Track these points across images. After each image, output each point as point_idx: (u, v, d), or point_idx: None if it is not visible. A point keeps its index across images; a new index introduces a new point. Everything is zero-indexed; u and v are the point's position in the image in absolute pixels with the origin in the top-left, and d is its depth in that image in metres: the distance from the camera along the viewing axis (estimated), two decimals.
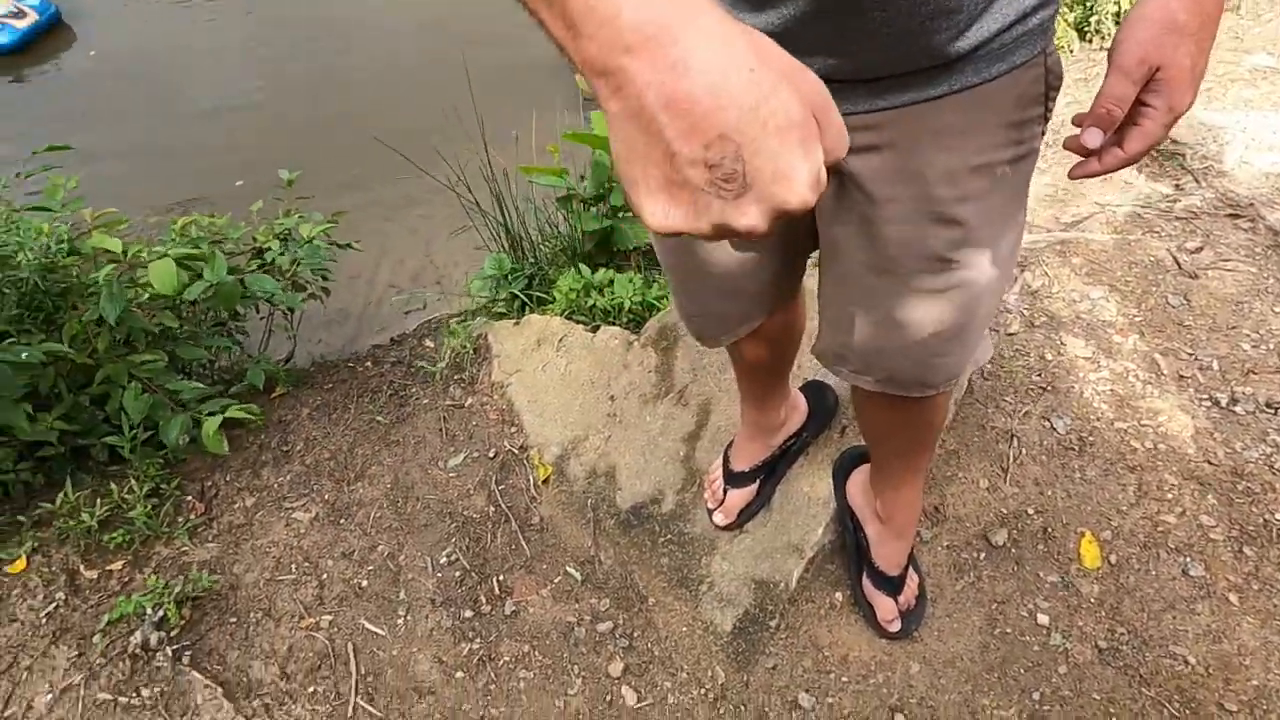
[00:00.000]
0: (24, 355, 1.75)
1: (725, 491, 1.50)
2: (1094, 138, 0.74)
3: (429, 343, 2.58)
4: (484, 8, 4.73)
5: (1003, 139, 0.77)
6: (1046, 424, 1.66)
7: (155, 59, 4.92)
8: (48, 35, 4.85)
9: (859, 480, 1.40)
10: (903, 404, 1.00)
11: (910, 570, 1.38)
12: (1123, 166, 0.75)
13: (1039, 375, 1.78)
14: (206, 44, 5.01)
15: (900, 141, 0.76)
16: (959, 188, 0.78)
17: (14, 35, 4.66)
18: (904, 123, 0.75)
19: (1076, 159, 0.79)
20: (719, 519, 1.51)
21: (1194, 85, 0.71)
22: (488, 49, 4.27)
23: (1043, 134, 0.82)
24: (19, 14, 4.72)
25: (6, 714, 1.50)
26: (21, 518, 1.88)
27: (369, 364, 2.56)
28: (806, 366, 1.62)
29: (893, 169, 0.78)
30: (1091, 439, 1.63)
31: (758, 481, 1.49)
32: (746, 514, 1.51)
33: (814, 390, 1.56)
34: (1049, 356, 1.84)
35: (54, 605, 1.70)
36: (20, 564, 1.78)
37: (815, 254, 1.01)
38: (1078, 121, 0.76)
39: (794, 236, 0.97)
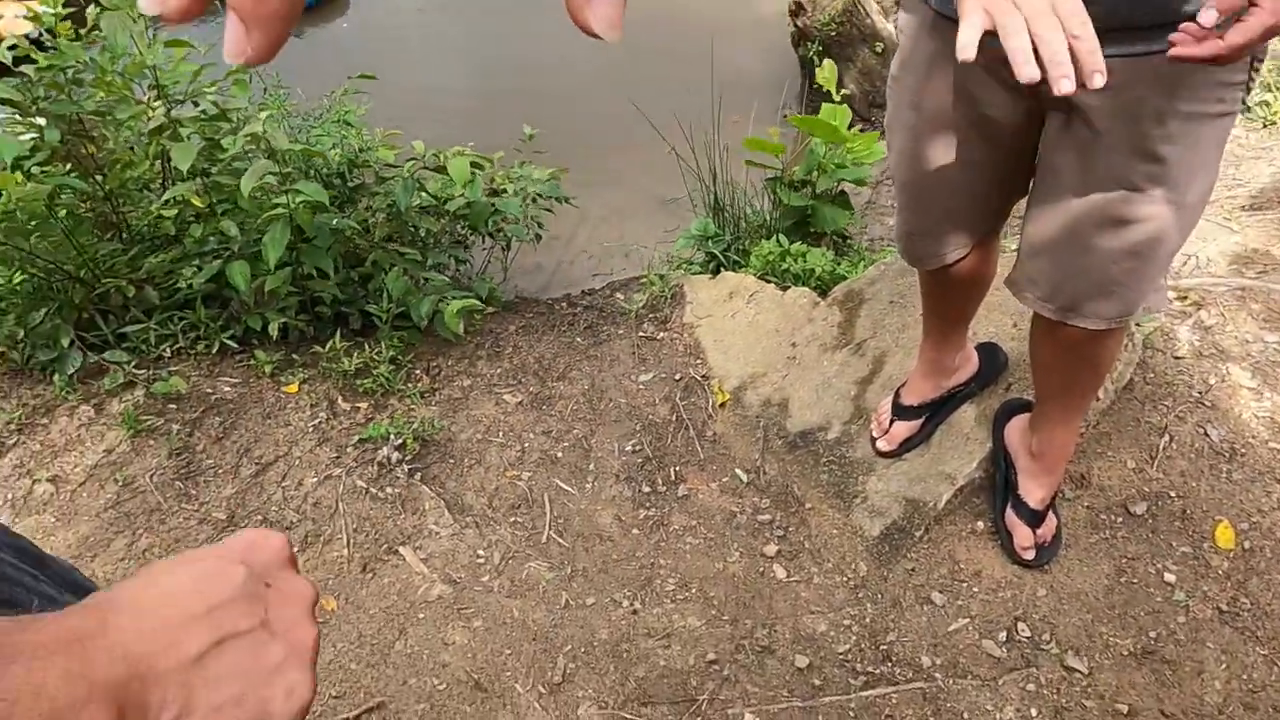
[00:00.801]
0: (335, 222, 2.19)
1: (892, 422, 1.72)
2: (1209, 16, 0.82)
3: (619, 295, 2.91)
4: (718, 15, 5.09)
5: (1210, 94, 0.99)
6: (1200, 430, 1.78)
7: (402, 30, 5.61)
8: (328, 1, 5.65)
9: (1017, 425, 1.59)
10: (1076, 339, 1.20)
11: (1051, 512, 1.55)
12: (1218, 58, 0.83)
13: (1200, 393, 1.90)
14: (451, 19, 5.66)
15: (1126, 84, 0.99)
16: (1166, 128, 1.00)
17: None
18: (1132, 68, 0.98)
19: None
20: (882, 445, 1.73)
21: None
22: (727, 39, 4.61)
23: (1244, 100, 1.03)
24: None
25: (285, 481, 1.91)
26: (295, 356, 2.32)
27: (564, 304, 2.92)
28: (982, 334, 1.82)
29: (1115, 105, 1.01)
30: (1243, 451, 1.74)
31: (923, 418, 1.70)
32: (907, 445, 1.72)
33: (987, 349, 1.76)
34: (1212, 381, 1.95)
35: (318, 420, 2.11)
36: (294, 387, 2.21)
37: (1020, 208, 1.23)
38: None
39: (1013, 167, 1.20)
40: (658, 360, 2.31)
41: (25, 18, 5.19)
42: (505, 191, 2.75)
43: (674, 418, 2.10)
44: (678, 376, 2.23)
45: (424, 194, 2.42)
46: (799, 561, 1.69)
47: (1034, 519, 1.52)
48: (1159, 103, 0.99)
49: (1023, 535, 1.53)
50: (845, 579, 1.63)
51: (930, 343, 1.61)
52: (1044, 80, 0.76)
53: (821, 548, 1.70)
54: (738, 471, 1.91)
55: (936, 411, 1.71)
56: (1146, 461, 1.72)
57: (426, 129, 4.53)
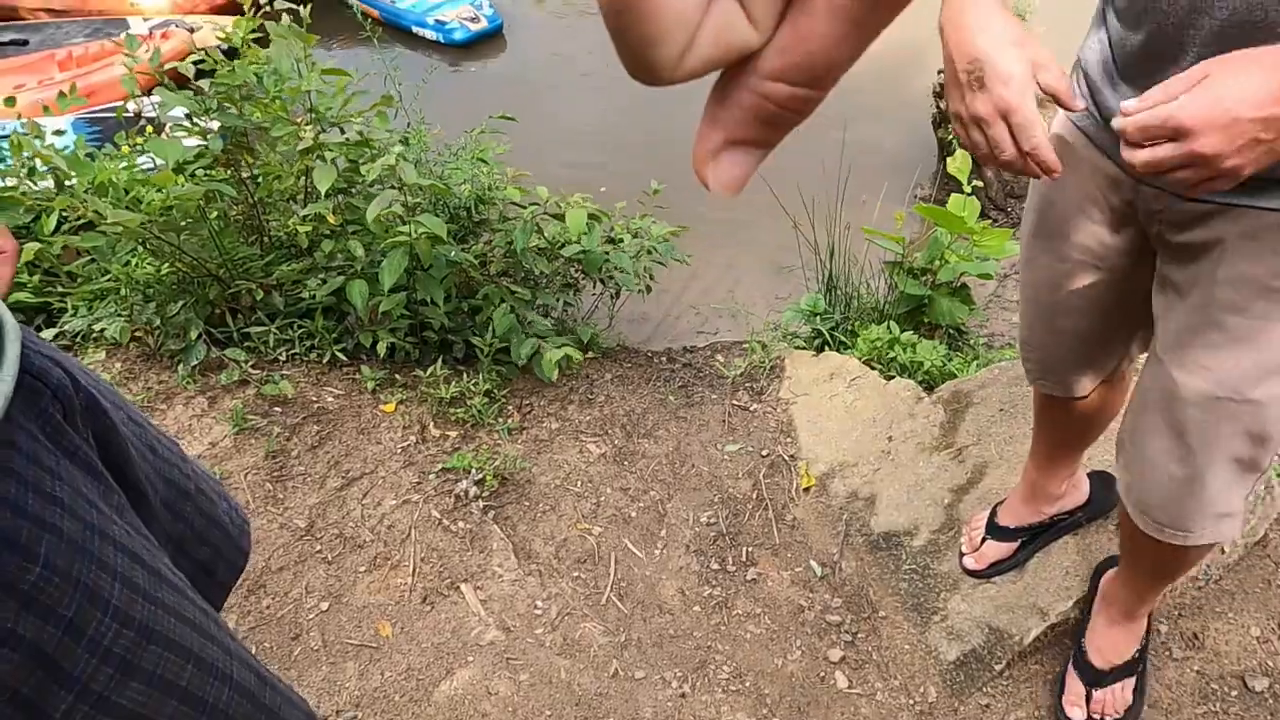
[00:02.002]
0: (452, 254, 2.27)
1: (983, 540, 1.61)
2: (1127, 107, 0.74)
3: (719, 358, 2.88)
4: (862, 88, 5.08)
5: None
6: None
7: (553, 72, 5.85)
8: (488, 40, 5.96)
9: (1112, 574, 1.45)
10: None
11: (1123, 685, 1.38)
12: (1137, 163, 0.75)
13: None
14: (602, 65, 5.86)
15: (1215, 236, 0.88)
16: (1239, 294, 0.88)
17: (466, 34, 5.80)
18: (1224, 218, 0.87)
19: None
20: (969, 562, 1.62)
21: (1221, 130, 0.69)
22: (863, 123, 4.59)
23: None
24: (474, 19, 5.85)
25: (365, 499, 1.96)
26: (398, 376, 2.40)
27: (664, 359, 2.92)
28: (1098, 460, 1.69)
29: (1197, 255, 0.91)
30: None
31: (1018, 542, 1.58)
32: (997, 568, 1.60)
33: (1101, 479, 1.62)
34: None
35: (408, 443, 2.16)
36: (391, 406, 2.28)
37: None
38: None
39: (1135, 301, 1.09)
40: (747, 432, 2.26)
41: (216, 33, 5.69)
42: (622, 241, 2.79)
43: (755, 495, 2.04)
44: (765, 452, 2.17)
45: (542, 237, 2.48)
46: (864, 673, 1.59)
47: (1091, 677, 1.37)
48: (1238, 265, 0.87)
49: (1073, 691, 1.38)
50: (911, 701, 1.52)
51: (1036, 463, 1.50)
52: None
53: (890, 662, 1.60)
54: (813, 563, 1.82)
55: (1034, 537, 1.59)
56: (1274, 631, 1.53)
57: (559, 170, 4.70)
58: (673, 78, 0.19)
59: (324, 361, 2.36)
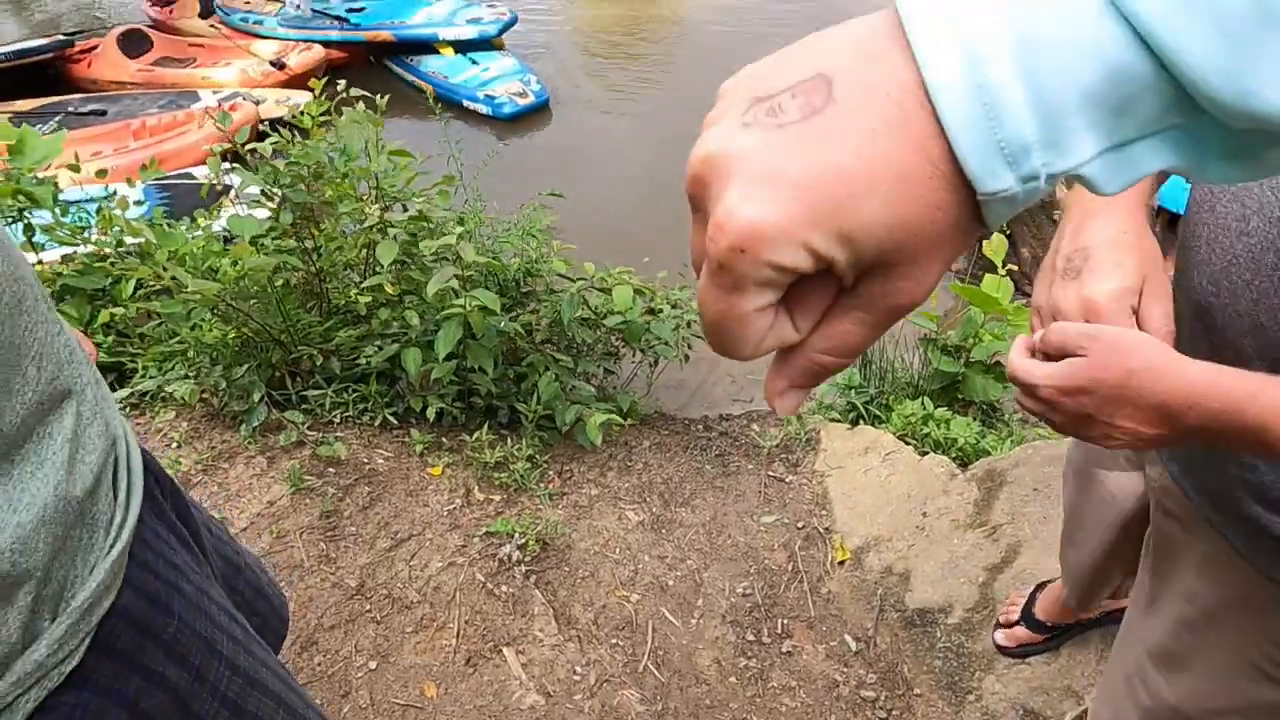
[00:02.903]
0: (502, 324, 2.38)
1: (1019, 623, 1.63)
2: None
3: (754, 427, 2.94)
4: None
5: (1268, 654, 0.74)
6: None
7: (599, 145, 6.07)
8: (535, 114, 6.23)
9: None
10: None
11: None
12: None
13: None
14: (641, 138, 6.07)
15: (1187, 538, 0.81)
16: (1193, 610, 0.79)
17: (515, 108, 6.08)
18: (1197, 529, 0.79)
19: None
20: (1002, 639, 1.64)
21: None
22: None
23: None
24: (522, 94, 6.14)
25: (413, 560, 2.03)
26: (444, 440, 2.49)
27: (700, 427, 2.98)
28: None
29: (1170, 548, 0.84)
30: None
31: (1054, 635, 1.60)
32: (1031, 649, 1.62)
33: None
34: None
35: (454, 506, 2.24)
36: (438, 470, 2.37)
37: None
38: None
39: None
40: (783, 503, 2.31)
41: (282, 103, 6.01)
42: (661, 312, 2.89)
43: (790, 567, 2.08)
44: (800, 524, 2.21)
45: (587, 307, 2.59)
46: None
47: None
48: (1221, 637, 0.79)
49: None
50: None
51: (1074, 589, 1.51)
52: None
53: None
54: (847, 638, 1.85)
55: (1070, 630, 1.60)
56: None
57: (604, 239, 4.86)
58: (745, 360, 0.29)
59: (375, 424, 2.47)
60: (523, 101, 6.12)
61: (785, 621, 1.91)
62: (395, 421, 2.49)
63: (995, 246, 2.37)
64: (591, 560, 2.13)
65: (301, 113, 2.50)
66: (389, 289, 2.38)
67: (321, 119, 2.52)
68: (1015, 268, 2.98)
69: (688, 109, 6.21)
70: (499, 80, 6.32)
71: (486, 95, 6.21)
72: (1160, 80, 0.23)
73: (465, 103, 6.31)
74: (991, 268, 2.39)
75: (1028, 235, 3.98)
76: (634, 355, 3.06)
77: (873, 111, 0.25)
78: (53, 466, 0.55)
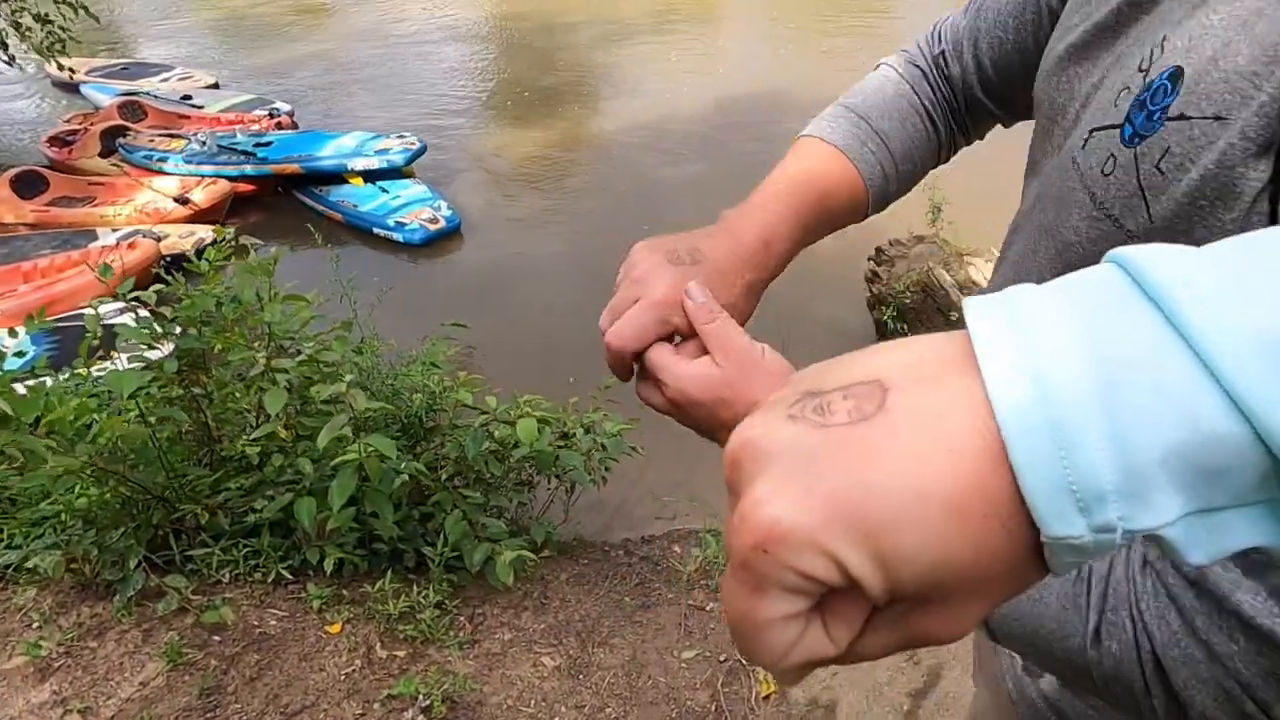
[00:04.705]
0: (402, 466, 2.29)
1: None
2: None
3: (676, 548, 2.88)
4: (807, 270, 5.40)
5: None
6: None
7: (513, 268, 6.13)
8: (448, 239, 6.28)
9: None
10: None
11: None
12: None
13: None
14: (555, 262, 6.15)
15: None
16: None
17: (425, 234, 6.11)
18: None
19: None
20: None
21: None
22: (811, 303, 4.83)
23: None
24: (434, 220, 6.19)
25: None
26: (345, 592, 2.34)
27: (621, 552, 2.90)
28: None
29: None
30: None
31: None
32: None
33: None
34: None
35: (353, 668, 2.08)
36: (337, 627, 2.21)
37: None
38: None
39: None
40: (704, 635, 2.22)
41: (185, 238, 5.92)
42: (574, 436, 2.84)
43: (714, 707, 1.98)
44: (722, 658, 2.13)
45: (493, 440, 2.52)
46: None
47: None
48: None
49: None
50: None
51: None
52: None
53: None
54: None
55: None
56: None
57: (526, 362, 4.82)
58: (774, 670, 0.27)
59: (269, 580, 2.31)
60: (434, 227, 6.17)
61: None
62: (290, 576, 2.33)
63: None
64: (504, 717, 1.99)
65: (201, 257, 2.43)
66: (281, 433, 2.27)
67: (219, 263, 2.46)
68: None
69: (606, 229, 6.38)
70: (409, 207, 6.37)
71: (397, 222, 6.24)
72: (1259, 454, 0.21)
73: (376, 230, 6.33)
74: None
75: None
76: (549, 482, 2.99)
77: (925, 432, 0.23)
78: None
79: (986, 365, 0.23)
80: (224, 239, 2.32)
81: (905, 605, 0.25)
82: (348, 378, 1.99)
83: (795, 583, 0.24)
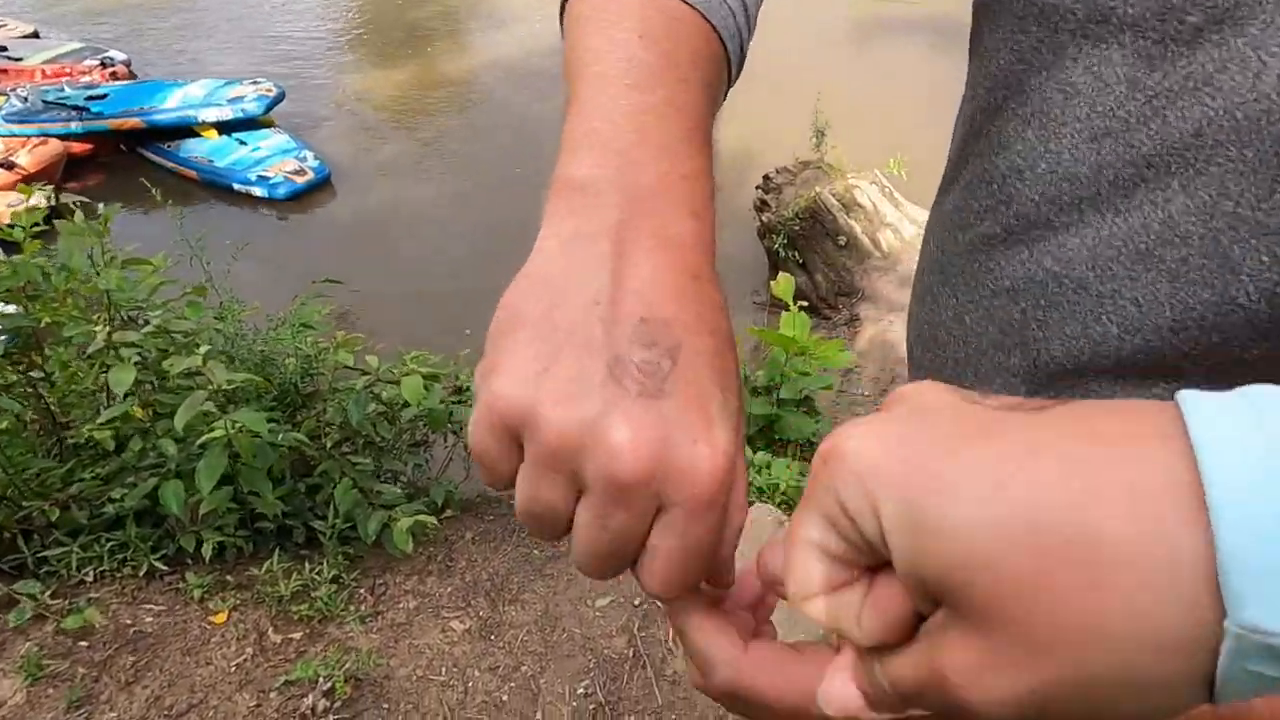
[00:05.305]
0: (280, 437, 2.11)
1: None
2: None
3: None
4: None
5: None
6: None
7: (390, 218, 5.81)
8: (316, 191, 5.88)
9: None
10: None
11: None
12: None
13: None
14: (434, 208, 5.87)
15: None
16: None
17: (292, 187, 5.70)
18: None
19: None
20: None
21: None
22: None
23: None
24: (300, 172, 5.78)
25: None
26: (229, 577, 2.17)
27: None
28: None
29: None
30: None
31: None
32: None
33: None
34: None
35: (243, 658, 1.93)
36: (222, 617, 2.05)
37: None
38: None
39: None
40: (617, 581, 2.18)
41: (13, 206, 5.34)
42: (468, 390, 2.71)
43: (631, 653, 1.94)
44: (637, 601, 2.09)
45: (380, 402, 2.36)
46: None
47: None
48: None
49: None
50: None
51: None
52: None
53: None
54: None
55: None
56: None
57: (416, 313, 4.59)
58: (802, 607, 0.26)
59: (140, 574, 2.11)
60: (300, 179, 5.76)
61: (632, 718, 1.77)
62: (165, 568, 2.14)
63: (783, 287, 2.40)
64: (414, 689, 1.90)
65: (10, 225, 2.13)
66: (137, 413, 2.05)
67: (34, 230, 2.16)
68: (807, 302, 3.06)
69: (482, 170, 6.11)
70: (272, 159, 5.91)
71: (260, 176, 5.78)
72: None
73: (236, 186, 5.85)
74: (784, 306, 2.41)
75: (819, 261, 4.16)
76: (446, 439, 2.86)
77: (1095, 476, 0.20)
78: None
79: (1192, 419, 0.19)
80: (29, 198, 2.04)
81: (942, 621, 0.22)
82: (204, 349, 1.79)
83: (834, 511, 0.24)
